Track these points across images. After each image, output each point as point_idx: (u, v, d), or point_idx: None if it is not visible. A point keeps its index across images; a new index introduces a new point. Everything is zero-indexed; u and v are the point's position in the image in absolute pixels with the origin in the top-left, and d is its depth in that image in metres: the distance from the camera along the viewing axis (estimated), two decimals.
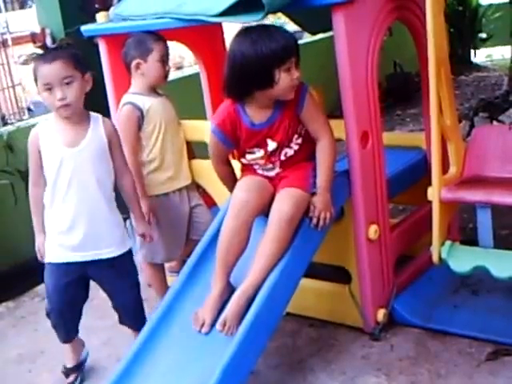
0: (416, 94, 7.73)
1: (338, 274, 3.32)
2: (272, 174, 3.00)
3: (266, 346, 2.81)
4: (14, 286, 4.43)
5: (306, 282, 3.16)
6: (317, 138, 2.94)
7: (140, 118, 3.46)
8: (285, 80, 2.78)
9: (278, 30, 2.84)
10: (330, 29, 3.06)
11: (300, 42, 8.26)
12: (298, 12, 4.13)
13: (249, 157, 2.99)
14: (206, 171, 3.46)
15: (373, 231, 3.11)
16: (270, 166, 2.98)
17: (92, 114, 3.04)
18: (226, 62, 2.84)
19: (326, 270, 3.35)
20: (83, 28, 3.81)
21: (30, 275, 4.59)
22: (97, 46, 3.91)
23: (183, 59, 12.09)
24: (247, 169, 3.06)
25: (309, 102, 2.90)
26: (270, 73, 2.75)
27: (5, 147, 4.72)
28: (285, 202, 2.82)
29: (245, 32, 2.82)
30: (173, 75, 8.58)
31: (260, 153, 2.95)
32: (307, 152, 2.97)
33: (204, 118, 4.11)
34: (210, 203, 3.70)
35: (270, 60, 2.74)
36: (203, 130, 3.58)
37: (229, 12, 2.96)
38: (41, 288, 4.29)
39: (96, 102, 4.15)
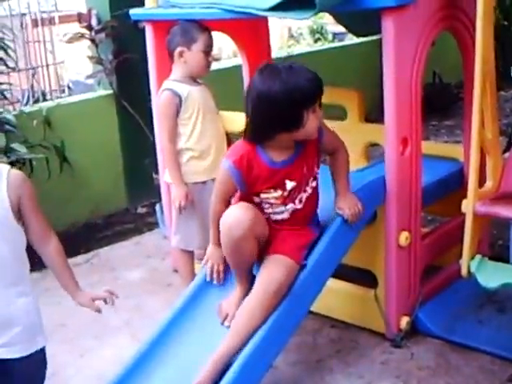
0: (453, 105, 7.72)
1: (365, 277, 3.32)
2: (279, 217, 2.81)
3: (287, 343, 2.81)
4: (41, 259, 4.47)
5: (331, 283, 3.16)
6: (334, 151, 2.90)
7: (178, 105, 3.47)
8: (313, 121, 2.65)
9: (303, 68, 2.67)
10: (375, 32, 3.05)
11: (341, 44, 8.33)
12: (346, 13, 4.12)
13: (263, 195, 2.77)
14: None
15: (404, 238, 3.11)
16: (282, 208, 2.78)
17: None
18: (251, 104, 2.65)
19: (353, 272, 3.34)
20: (131, 11, 3.85)
21: None
22: (141, 30, 3.95)
23: (221, 51, 12.14)
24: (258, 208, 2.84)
25: (324, 128, 2.81)
26: (299, 114, 2.61)
27: (43, 122, 4.77)
28: (278, 268, 2.68)
29: (271, 70, 2.65)
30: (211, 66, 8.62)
31: (277, 193, 2.76)
32: (313, 207, 2.87)
33: (241, 110, 4.11)
34: None
35: (301, 101, 2.59)
36: (241, 121, 3.60)
37: (279, 7, 2.97)
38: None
39: (137, 86, 4.20)
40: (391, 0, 2.83)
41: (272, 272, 2.68)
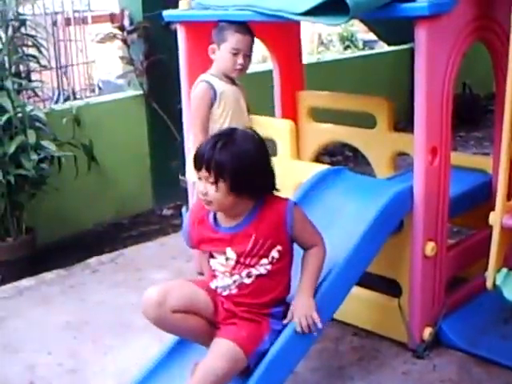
0: (482, 117, 7.68)
1: (388, 286, 3.31)
2: (225, 293, 2.64)
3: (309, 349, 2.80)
4: (67, 256, 4.54)
5: (355, 291, 3.15)
6: (310, 245, 2.64)
7: (213, 98, 3.50)
8: None
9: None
10: (407, 41, 3.04)
11: (370, 52, 8.31)
12: (378, 21, 4.12)
13: (212, 261, 2.67)
14: None
15: (430, 248, 3.09)
16: (228, 280, 2.62)
17: None
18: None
19: (377, 281, 3.33)
20: (165, 13, 3.87)
21: (83, 247, 4.73)
22: (172, 31, 3.98)
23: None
24: (210, 273, 2.73)
25: (297, 217, 2.59)
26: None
27: (72, 121, 4.81)
28: (220, 357, 2.46)
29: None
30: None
31: (221, 259, 2.62)
32: (271, 294, 2.62)
33: (271, 115, 4.13)
34: None
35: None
36: (270, 126, 3.61)
37: (312, 12, 2.96)
38: (92, 261, 4.39)
39: (167, 87, 4.23)
40: (425, 9, 2.81)
41: (214, 360, 2.45)
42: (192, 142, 3.56)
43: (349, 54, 9.20)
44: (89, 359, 3.29)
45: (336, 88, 4.39)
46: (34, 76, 4.94)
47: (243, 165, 2.47)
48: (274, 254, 2.58)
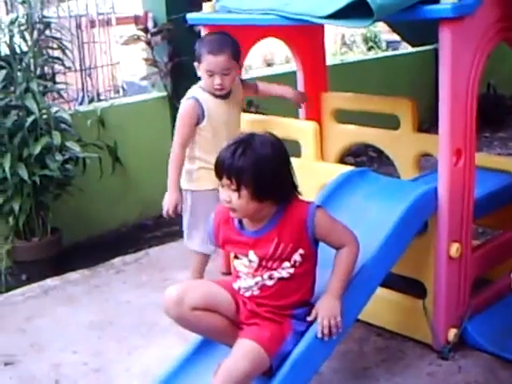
0: (507, 117, 7.64)
1: (413, 287, 3.30)
2: (247, 294, 2.65)
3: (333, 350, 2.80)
4: (92, 256, 4.58)
5: (379, 292, 3.15)
6: (341, 245, 2.64)
7: (200, 116, 3.47)
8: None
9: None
10: (430, 42, 3.03)
11: (394, 53, 8.31)
12: (402, 23, 4.12)
13: (236, 262, 2.68)
14: None
15: (454, 249, 3.08)
16: (250, 281, 2.63)
17: None
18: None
19: (401, 281, 3.32)
20: (188, 16, 3.89)
21: (107, 247, 4.77)
22: (196, 34, 3.99)
23: (273, 55, 12.16)
24: (234, 274, 2.74)
25: (319, 220, 2.58)
26: None
27: (97, 122, 4.85)
28: (244, 357, 2.46)
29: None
30: (264, 71, 8.69)
31: (244, 261, 2.64)
32: (293, 296, 2.62)
33: (295, 117, 4.13)
34: None
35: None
36: (294, 128, 3.62)
37: (336, 15, 2.96)
38: (116, 261, 4.43)
39: (186, 87, 4.24)
40: (449, 11, 2.80)
41: (237, 360, 2.45)
42: (171, 154, 3.55)
43: (372, 55, 9.19)
44: (113, 359, 3.31)
45: (360, 89, 4.38)
46: (58, 78, 4.98)
47: (264, 171, 2.47)
48: (297, 257, 2.58)
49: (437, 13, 2.84)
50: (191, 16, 3.89)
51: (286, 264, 2.59)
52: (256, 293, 2.64)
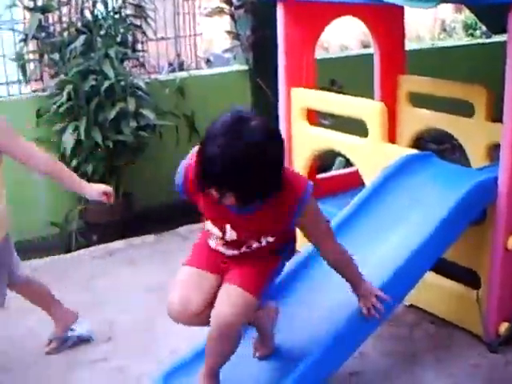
0: None
1: (468, 276, 3.24)
2: (229, 253, 2.54)
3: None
4: (160, 222, 4.70)
5: (435, 279, 3.12)
6: (316, 242, 2.56)
7: None
8: None
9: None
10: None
11: (486, 41, 8.08)
12: (478, 7, 4.02)
13: (207, 226, 2.51)
14: None
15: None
16: (230, 252, 2.53)
17: None
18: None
19: (455, 269, 3.27)
20: None
21: (176, 215, 4.82)
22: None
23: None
24: (205, 234, 2.60)
25: (308, 212, 2.42)
26: None
27: (176, 91, 4.92)
28: (231, 304, 2.43)
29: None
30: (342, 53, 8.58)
31: (216, 231, 2.47)
32: (275, 244, 2.53)
33: (368, 97, 4.09)
34: None
35: None
36: (360, 107, 3.56)
37: None
38: (182, 229, 4.51)
39: (272, 63, 4.26)
40: None
41: (224, 307, 2.43)
42: None
43: (465, 41, 8.99)
44: (164, 322, 3.35)
45: (447, 75, 4.26)
46: (145, 47, 5.05)
47: (246, 180, 2.22)
48: (270, 239, 2.48)
49: None
50: None
51: (264, 238, 2.48)
52: (236, 254, 2.53)
